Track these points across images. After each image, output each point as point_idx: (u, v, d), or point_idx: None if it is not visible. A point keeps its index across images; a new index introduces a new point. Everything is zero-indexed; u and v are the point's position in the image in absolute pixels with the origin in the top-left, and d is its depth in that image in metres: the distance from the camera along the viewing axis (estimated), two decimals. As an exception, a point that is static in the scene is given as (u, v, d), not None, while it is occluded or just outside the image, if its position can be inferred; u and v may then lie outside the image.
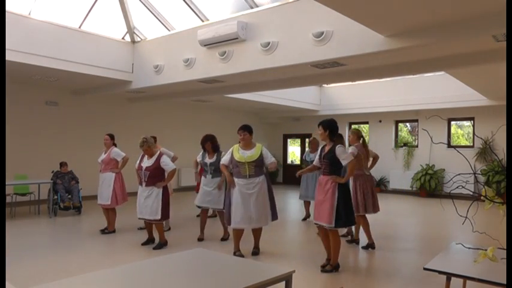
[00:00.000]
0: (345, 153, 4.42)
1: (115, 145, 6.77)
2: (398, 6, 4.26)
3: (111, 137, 6.78)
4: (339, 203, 4.33)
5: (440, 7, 4.25)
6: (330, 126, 4.47)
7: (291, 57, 6.32)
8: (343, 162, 4.41)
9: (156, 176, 5.43)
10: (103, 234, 6.43)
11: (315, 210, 4.57)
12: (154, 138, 6.88)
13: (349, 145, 5.81)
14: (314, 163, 4.81)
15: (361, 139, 5.68)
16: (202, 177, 6.14)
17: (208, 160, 6.11)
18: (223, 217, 5.97)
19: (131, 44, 8.87)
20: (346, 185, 4.47)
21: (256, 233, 5.20)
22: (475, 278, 2.41)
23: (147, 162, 5.48)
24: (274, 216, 5.10)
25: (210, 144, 6.09)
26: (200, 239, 6.02)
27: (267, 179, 5.07)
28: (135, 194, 9.28)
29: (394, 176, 12.83)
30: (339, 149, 4.39)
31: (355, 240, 5.89)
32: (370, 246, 5.60)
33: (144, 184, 5.47)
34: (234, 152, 4.97)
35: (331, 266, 4.52)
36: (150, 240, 5.70)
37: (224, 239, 6.03)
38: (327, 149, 4.52)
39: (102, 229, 6.60)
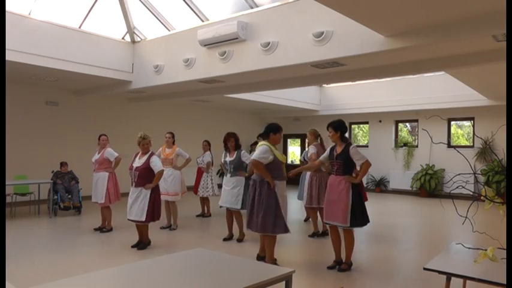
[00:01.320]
0: (359, 154, 4.48)
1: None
2: (398, 6, 4.26)
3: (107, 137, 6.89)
4: (354, 202, 4.42)
5: (440, 7, 4.24)
6: (340, 127, 4.56)
7: (291, 57, 6.32)
8: (358, 163, 4.48)
9: (145, 176, 5.32)
10: (101, 233, 6.48)
11: (327, 210, 4.59)
12: (172, 134, 6.93)
13: (308, 145, 6.37)
14: (321, 159, 4.82)
15: (319, 138, 6.21)
16: (224, 177, 6.08)
17: (228, 158, 5.94)
18: (240, 218, 5.91)
19: (131, 44, 8.87)
20: (358, 185, 4.53)
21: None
22: (475, 278, 2.41)
23: (137, 162, 5.43)
24: None
25: (234, 141, 5.91)
26: (226, 239, 5.98)
27: None
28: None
29: (394, 176, 12.84)
30: (353, 149, 4.47)
31: (315, 233, 6.38)
32: (316, 234, 6.34)
33: (133, 184, 5.40)
34: (275, 153, 4.50)
35: (346, 265, 4.61)
36: (140, 242, 5.59)
37: (240, 239, 5.92)
38: (339, 149, 4.54)
39: (97, 228, 6.69)
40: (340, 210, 4.42)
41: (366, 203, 4.69)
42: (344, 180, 4.46)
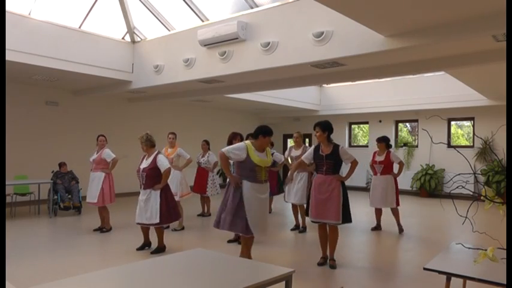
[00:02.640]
0: (348, 154, 4.66)
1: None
2: (398, 6, 4.26)
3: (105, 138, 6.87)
4: (344, 200, 4.58)
5: (440, 7, 4.25)
6: (327, 127, 4.65)
7: (291, 57, 6.32)
8: (346, 162, 4.64)
9: (153, 177, 5.19)
10: (101, 233, 6.49)
11: (316, 209, 4.64)
12: (175, 135, 6.91)
13: (296, 145, 6.84)
14: (303, 158, 4.90)
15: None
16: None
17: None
18: None
19: (131, 44, 8.87)
20: (344, 183, 4.67)
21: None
22: (475, 278, 2.41)
23: (144, 163, 5.31)
24: None
25: (240, 140, 5.69)
26: (230, 240, 5.87)
27: None
28: (130, 194, 9.31)
29: (394, 176, 12.80)
30: (342, 149, 4.62)
31: (301, 227, 6.78)
32: (305, 229, 6.75)
33: (142, 187, 5.27)
34: (250, 153, 4.33)
35: (334, 261, 4.71)
36: (145, 245, 5.50)
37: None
38: (326, 150, 4.63)
39: (96, 228, 6.68)
40: (333, 208, 4.53)
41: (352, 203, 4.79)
42: (335, 179, 4.58)
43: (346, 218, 4.60)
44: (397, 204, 6.78)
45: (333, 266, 4.66)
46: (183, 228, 6.77)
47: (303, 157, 4.96)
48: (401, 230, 6.75)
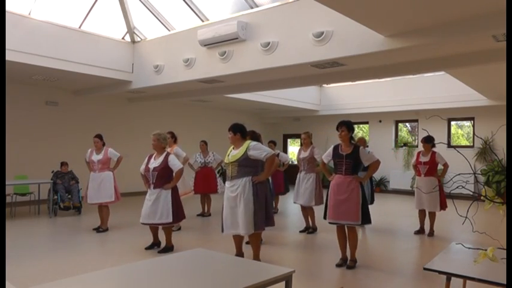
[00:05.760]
0: (368, 155, 4.65)
1: (103, 144, 6.85)
2: (398, 7, 4.26)
3: (101, 137, 6.83)
4: (362, 201, 4.57)
5: (440, 7, 4.25)
6: (352, 127, 4.69)
7: (291, 57, 6.32)
8: (366, 163, 4.63)
9: (164, 176, 5.18)
10: (98, 233, 6.48)
11: (335, 210, 4.60)
12: (172, 134, 6.90)
13: (305, 146, 6.53)
14: (323, 158, 4.96)
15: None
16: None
17: None
18: None
19: (131, 44, 8.87)
20: (362, 184, 4.68)
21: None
22: (475, 278, 2.41)
23: (154, 163, 5.25)
24: (258, 226, 4.44)
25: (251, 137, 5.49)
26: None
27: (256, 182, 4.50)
28: (129, 194, 9.30)
29: (394, 176, 12.83)
30: (362, 150, 4.62)
31: (310, 229, 6.64)
32: (315, 230, 6.63)
33: (152, 186, 5.21)
34: (227, 153, 4.71)
35: (353, 262, 4.71)
36: (155, 244, 5.49)
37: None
38: (347, 149, 4.62)
39: (96, 227, 6.67)
40: (352, 209, 4.51)
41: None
42: (354, 180, 4.55)
43: (365, 218, 4.58)
44: (442, 207, 6.50)
45: (351, 266, 4.65)
46: (179, 229, 6.75)
47: (322, 157, 5.00)
48: (431, 233, 6.51)
